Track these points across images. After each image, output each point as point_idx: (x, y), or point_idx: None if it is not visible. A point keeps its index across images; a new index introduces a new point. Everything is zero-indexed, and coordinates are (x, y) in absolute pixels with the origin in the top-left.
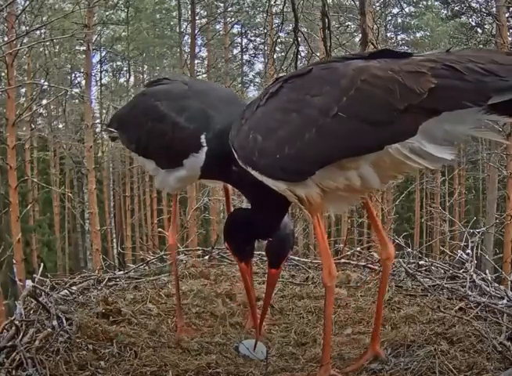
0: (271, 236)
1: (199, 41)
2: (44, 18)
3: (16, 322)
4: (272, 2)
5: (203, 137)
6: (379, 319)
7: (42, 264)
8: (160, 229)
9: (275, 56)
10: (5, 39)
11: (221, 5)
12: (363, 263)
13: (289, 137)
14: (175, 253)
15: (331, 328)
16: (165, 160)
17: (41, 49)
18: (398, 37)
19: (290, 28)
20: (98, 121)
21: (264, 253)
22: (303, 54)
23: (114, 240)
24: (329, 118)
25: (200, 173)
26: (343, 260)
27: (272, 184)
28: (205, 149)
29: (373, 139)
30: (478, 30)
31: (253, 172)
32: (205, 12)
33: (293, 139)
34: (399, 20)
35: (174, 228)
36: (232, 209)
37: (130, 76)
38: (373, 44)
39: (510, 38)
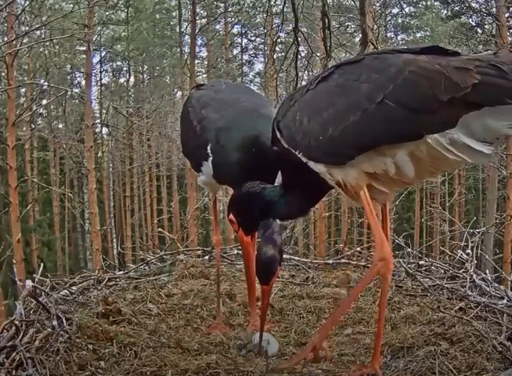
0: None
1: (199, 41)
2: (44, 18)
3: (16, 322)
4: (272, 2)
5: (208, 148)
6: (379, 339)
7: (42, 264)
8: (160, 229)
9: (275, 56)
10: (5, 39)
11: (222, 5)
12: (363, 263)
13: (333, 119)
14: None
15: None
16: (192, 164)
17: (41, 49)
18: (398, 38)
19: (290, 28)
20: (98, 121)
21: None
22: (303, 54)
23: (114, 240)
24: (375, 104)
25: (213, 180)
26: (343, 260)
27: (314, 166)
28: (211, 159)
29: (415, 127)
30: (478, 30)
31: (296, 152)
32: (205, 13)
33: (337, 122)
34: (399, 20)
35: (217, 228)
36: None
37: (130, 76)
38: (373, 44)
39: (510, 38)
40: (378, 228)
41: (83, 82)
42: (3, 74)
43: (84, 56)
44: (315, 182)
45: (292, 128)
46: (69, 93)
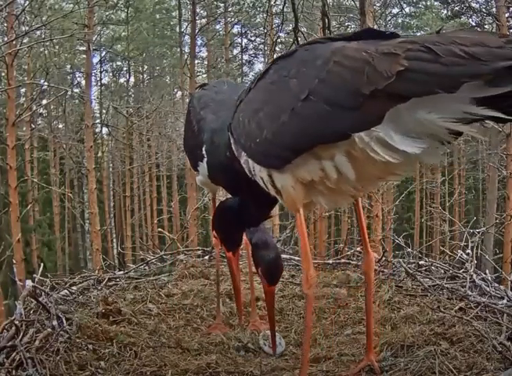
0: (258, 225)
1: (199, 41)
2: (44, 18)
3: (16, 322)
4: (272, 2)
5: (203, 149)
6: (370, 329)
7: (42, 264)
8: (160, 229)
9: (275, 56)
10: (5, 39)
11: (222, 5)
12: None
13: (267, 120)
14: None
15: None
16: (191, 163)
17: (41, 49)
18: None
19: (290, 28)
20: (98, 121)
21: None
22: None
23: (114, 240)
24: (301, 101)
25: (209, 180)
26: (343, 260)
27: (258, 172)
28: (205, 159)
29: (339, 125)
30: (478, 30)
31: (243, 159)
32: (205, 13)
33: (270, 123)
34: (399, 20)
35: None
36: None
37: (130, 76)
38: None
39: None
40: (308, 255)
41: (83, 82)
42: (3, 74)
43: (84, 56)
44: (263, 193)
45: (237, 130)
46: (69, 93)
